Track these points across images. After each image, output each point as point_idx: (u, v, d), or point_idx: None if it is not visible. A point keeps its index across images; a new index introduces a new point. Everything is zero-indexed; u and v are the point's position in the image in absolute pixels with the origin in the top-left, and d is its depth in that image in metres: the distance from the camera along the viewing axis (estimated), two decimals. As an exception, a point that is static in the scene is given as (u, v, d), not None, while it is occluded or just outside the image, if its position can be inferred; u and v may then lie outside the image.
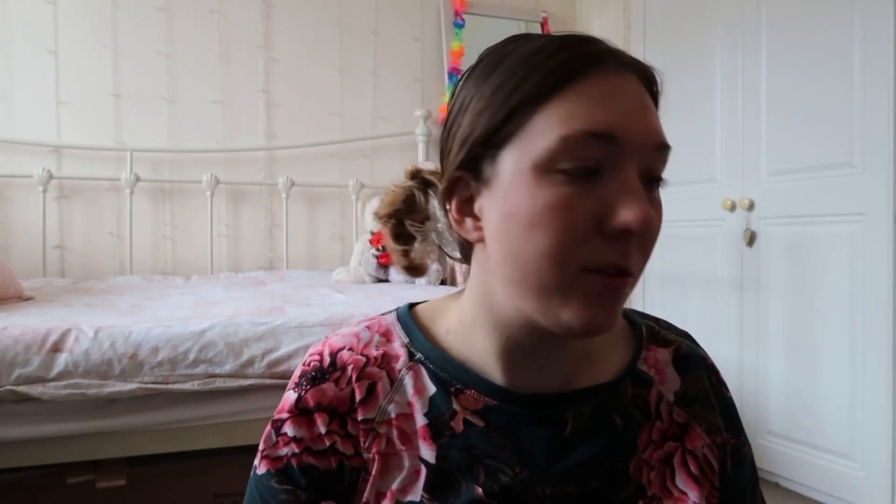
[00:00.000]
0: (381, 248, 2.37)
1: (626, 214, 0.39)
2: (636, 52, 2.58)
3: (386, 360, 0.50)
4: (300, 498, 0.47)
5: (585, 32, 0.45)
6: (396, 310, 0.54)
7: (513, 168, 0.42)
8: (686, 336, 0.57)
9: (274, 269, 2.56)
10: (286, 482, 0.48)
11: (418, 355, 0.50)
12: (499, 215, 0.43)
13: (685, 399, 0.52)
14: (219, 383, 1.32)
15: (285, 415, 0.49)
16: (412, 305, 0.55)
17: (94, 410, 1.27)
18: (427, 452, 0.47)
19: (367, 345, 0.51)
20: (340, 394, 0.49)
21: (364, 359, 0.50)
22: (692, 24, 2.32)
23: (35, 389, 1.21)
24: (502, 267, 0.44)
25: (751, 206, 2.04)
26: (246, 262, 2.58)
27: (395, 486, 0.46)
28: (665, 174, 0.45)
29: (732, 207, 2.09)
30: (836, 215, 1.79)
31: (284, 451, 0.48)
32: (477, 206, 0.46)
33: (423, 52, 2.76)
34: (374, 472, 0.47)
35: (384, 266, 2.38)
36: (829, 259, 1.81)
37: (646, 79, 0.45)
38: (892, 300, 1.64)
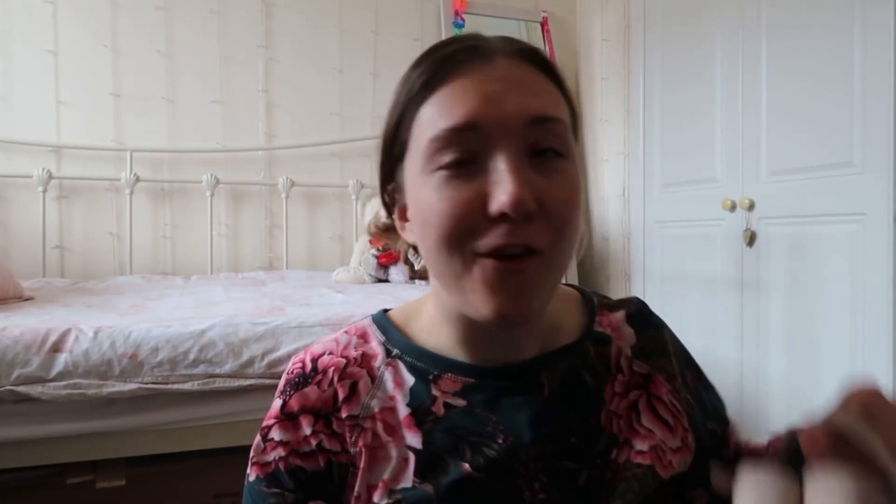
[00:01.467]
0: (381, 248, 2.37)
1: (499, 197, 0.41)
2: (636, 52, 2.59)
3: (365, 360, 0.53)
4: (288, 500, 0.49)
5: (475, 32, 0.48)
6: (371, 315, 0.57)
7: (410, 173, 0.47)
8: (639, 300, 0.61)
9: (274, 269, 2.56)
10: (274, 485, 0.49)
11: (395, 351, 0.53)
12: (412, 217, 0.48)
13: (643, 353, 0.55)
14: (219, 383, 1.31)
15: (272, 421, 0.51)
16: (386, 311, 0.58)
17: (93, 410, 1.27)
18: (414, 440, 0.49)
19: (346, 347, 0.54)
20: (323, 395, 0.51)
21: (344, 360, 0.53)
22: (692, 23, 2.32)
23: (35, 389, 1.21)
24: (427, 264, 0.48)
25: (751, 206, 2.03)
26: (246, 262, 2.58)
27: (386, 476, 0.48)
28: (558, 144, 0.45)
29: (732, 207, 2.09)
30: (836, 215, 1.79)
31: (272, 455, 0.50)
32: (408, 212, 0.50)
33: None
34: (362, 466, 0.48)
35: (384, 266, 2.38)
36: (829, 259, 1.81)
37: (532, 59, 0.47)
38: (892, 300, 1.64)
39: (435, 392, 0.50)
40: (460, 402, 0.49)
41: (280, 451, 0.50)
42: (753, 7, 2.04)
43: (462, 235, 0.43)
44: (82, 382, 1.23)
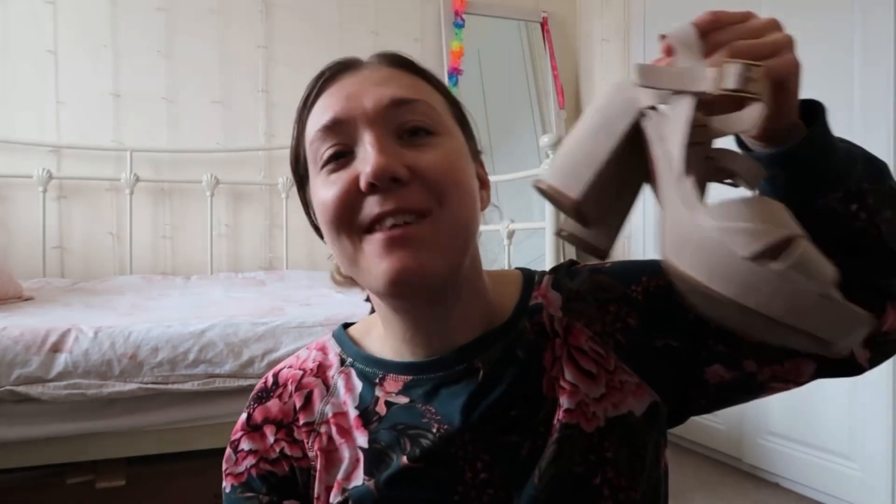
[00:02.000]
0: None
1: (364, 170, 0.45)
2: (636, 52, 2.59)
3: (321, 370, 0.57)
4: (262, 501, 0.53)
5: (351, 56, 0.54)
6: (332, 331, 0.61)
7: (311, 185, 0.52)
8: (566, 261, 0.60)
9: (274, 269, 2.56)
10: (248, 491, 0.53)
11: (348, 360, 0.56)
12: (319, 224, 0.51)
13: (564, 307, 0.54)
14: (219, 383, 1.32)
15: (239, 433, 0.56)
16: (347, 325, 0.61)
17: (93, 411, 1.27)
18: (362, 439, 0.52)
19: (304, 360, 0.58)
20: (285, 407, 0.55)
21: (301, 372, 0.57)
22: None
23: (35, 390, 1.21)
24: (335, 256, 0.51)
25: (751, 206, 2.03)
26: (246, 263, 2.57)
27: (339, 476, 0.51)
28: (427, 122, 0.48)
29: (732, 207, 2.09)
30: (836, 215, 1.79)
31: (243, 465, 0.54)
32: None
33: (423, 52, 2.76)
34: (319, 468, 0.52)
35: (384, 266, 2.38)
36: (829, 259, 1.81)
37: (396, 62, 0.52)
38: (892, 300, 1.64)
39: (378, 393, 0.53)
40: (403, 400, 0.52)
41: (250, 460, 0.54)
42: (753, 9, 2.04)
43: (345, 216, 0.47)
44: (82, 382, 1.23)
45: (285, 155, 2.92)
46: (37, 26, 2.30)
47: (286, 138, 2.29)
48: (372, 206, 0.45)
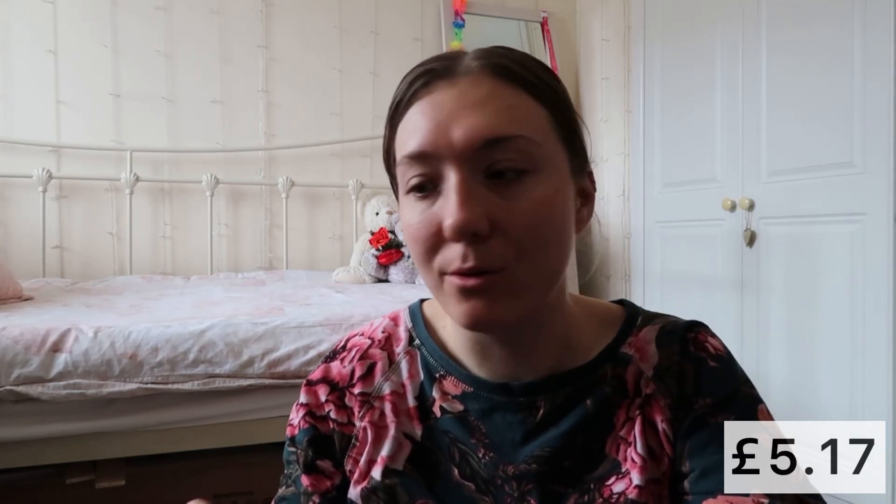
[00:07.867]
0: (380, 248, 2.37)
1: (446, 221, 0.43)
2: (636, 52, 2.58)
3: (388, 343, 0.57)
4: (300, 458, 0.55)
5: (456, 50, 0.50)
6: (410, 303, 0.61)
7: (400, 194, 0.50)
8: (693, 321, 0.55)
9: (274, 269, 2.56)
10: (293, 445, 0.56)
11: (416, 341, 0.56)
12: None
13: (659, 373, 0.50)
14: (219, 383, 1.31)
15: (303, 388, 0.58)
16: (425, 300, 0.61)
17: (93, 410, 1.27)
18: (415, 430, 0.53)
19: (375, 329, 0.59)
20: (343, 371, 0.56)
21: (369, 342, 0.58)
22: (692, 23, 2.32)
23: (34, 389, 1.21)
24: None
25: (751, 206, 2.03)
26: (245, 262, 2.58)
27: (384, 453, 0.52)
28: (522, 163, 0.44)
29: (732, 207, 2.09)
30: (836, 215, 1.79)
31: (297, 418, 0.56)
32: None
33: (423, 52, 2.76)
34: (368, 441, 0.53)
35: (384, 266, 2.38)
36: (829, 259, 1.81)
37: (502, 73, 0.46)
38: (893, 300, 1.64)
39: (435, 394, 0.53)
40: (457, 407, 0.52)
41: (302, 412, 0.56)
42: (753, 9, 2.04)
43: (429, 255, 0.45)
44: (82, 382, 1.23)
45: (285, 155, 2.94)
46: (37, 26, 2.30)
47: (286, 138, 2.30)
48: (453, 256, 0.44)
